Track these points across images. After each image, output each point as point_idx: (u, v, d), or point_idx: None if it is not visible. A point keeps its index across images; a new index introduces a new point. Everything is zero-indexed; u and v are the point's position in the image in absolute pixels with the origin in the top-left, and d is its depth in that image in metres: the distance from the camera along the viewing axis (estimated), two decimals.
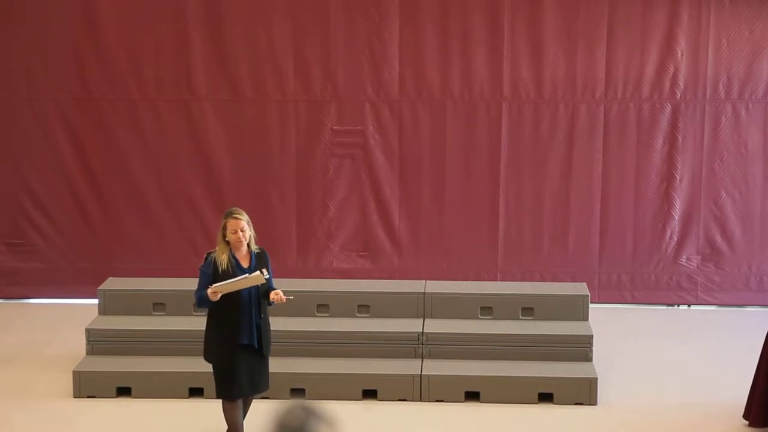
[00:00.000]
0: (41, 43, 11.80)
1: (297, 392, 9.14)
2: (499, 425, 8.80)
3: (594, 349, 9.50)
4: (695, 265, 11.97)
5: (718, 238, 11.93)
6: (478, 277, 11.76)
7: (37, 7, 11.75)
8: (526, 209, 11.96)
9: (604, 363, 9.80)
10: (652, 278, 12.00)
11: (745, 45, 11.66)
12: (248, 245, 7.94)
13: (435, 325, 9.69)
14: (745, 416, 8.65)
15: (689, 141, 11.81)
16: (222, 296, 7.69)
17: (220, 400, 8.13)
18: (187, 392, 9.21)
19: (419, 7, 11.69)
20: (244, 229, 7.87)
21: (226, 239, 7.87)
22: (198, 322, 9.65)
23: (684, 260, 11.97)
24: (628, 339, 10.83)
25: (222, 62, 11.79)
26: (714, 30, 11.63)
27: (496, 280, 11.66)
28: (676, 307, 12.06)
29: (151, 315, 9.87)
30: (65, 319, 11.34)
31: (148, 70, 11.84)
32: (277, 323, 9.68)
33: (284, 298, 7.88)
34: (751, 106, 11.75)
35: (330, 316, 9.88)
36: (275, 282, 8.05)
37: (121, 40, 11.78)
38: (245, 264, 7.91)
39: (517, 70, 11.73)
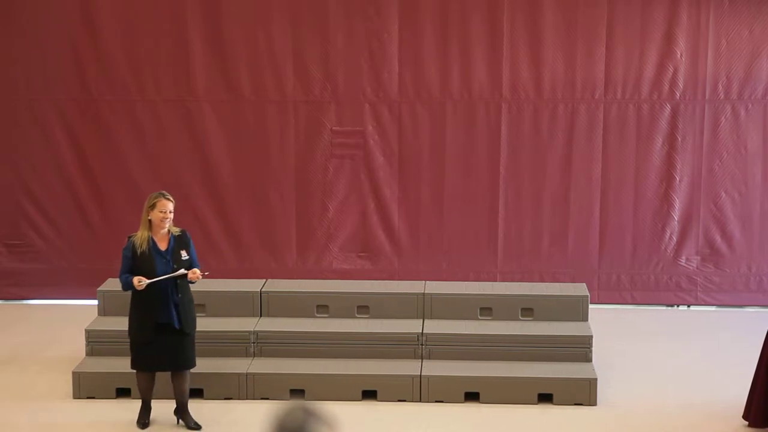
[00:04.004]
0: (40, 45, 11.80)
1: (296, 393, 9.14)
2: (498, 426, 8.80)
3: (594, 349, 9.50)
4: (695, 265, 11.97)
5: (718, 239, 11.93)
6: (477, 278, 11.76)
7: (37, 8, 11.75)
8: (526, 210, 11.96)
9: (603, 363, 9.80)
10: (651, 279, 12.00)
11: (744, 45, 11.66)
12: (168, 228, 8.39)
13: (434, 326, 9.69)
14: (745, 416, 8.65)
15: (689, 141, 11.81)
16: (142, 276, 8.22)
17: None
18: None
19: (418, 8, 11.69)
20: (172, 211, 8.35)
21: (150, 218, 8.33)
22: (197, 323, 9.66)
23: (683, 261, 11.96)
24: (627, 339, 10.83)
25: (221, 63, 11.79)
26: (713, 30, 11.63)
27: (496, 281, 11.65)
28: (675, 307, 12.06)
29: None
30: (65, 320, 11.34)
31: (147, 70, 11.83)
32: (276, 324, 9.73)
33: (200, 275, 8.35)
34: (750, 106, 11.75)
35: (329, 317, 9.88)
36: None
37: (121, 41, 11.77)
38: (163, 246, 8.37)
39: (516, 71, 11.73)
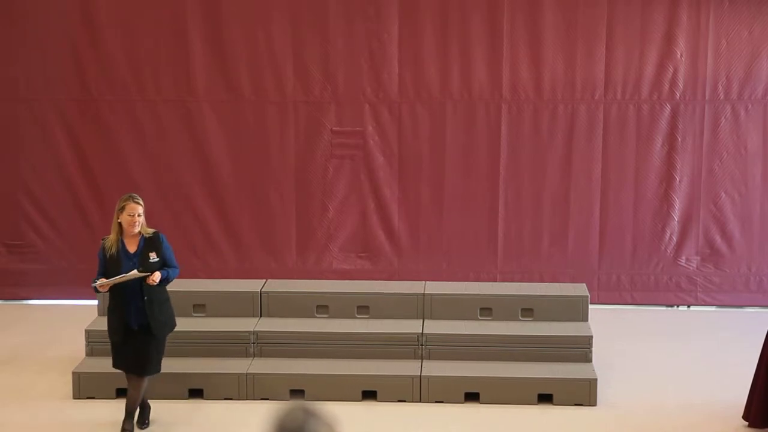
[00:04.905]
0: (40, 45, 11.79)
1: (296, 393, 9.14)
2: (498, 426, 8.80)
3: (594, 350, 9.50)
4: (695, 265, 11.97)
5: (718, 239, 11.93)
6: (477, 278, 11.76)
7: (37, 8, 11.75)
8: (526, 210, 11.96)
9: (603, 364, 9.80)
10: (651, 279, 12.00)
11: (744, 46, 11.66)
12: (140, 231, 8.38)
13: (434, 326, 9.69)
14: (745, 416, 8.66)
15: (688, 142, 11.81)
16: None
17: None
18: (186, 393, 9.21)
19: (418, 8, 11.69)
20: (141, 214, 8.33)
21: (119, 221, 8.32)
22: (196, 323, 9.68)
23: (683, 261, 11.96)
24: (627, 340, 10.83)
25: (221, 63, 11.79)
26: (713, 31, 11.63)
27: (496, 281, 11.66)
28: (675, 307, 12.06)
29: None
30: (65, 320, 11.34)
31: (147, 71, 11.83)
32: (276, 324, 9.73)
33: (155, 280, 8.28)
34: (750, 106, 11.75)
35: (329, 317, 9.88)
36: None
37: (121, 40, 11.77)
38: (132, 248, 8.37)
39: (516, 71, 11.73)
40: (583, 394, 9.14)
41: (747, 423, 8.63)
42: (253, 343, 9.54)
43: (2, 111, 11.95)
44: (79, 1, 11.72)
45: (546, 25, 11.65)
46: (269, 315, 9.90)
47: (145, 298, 8.32)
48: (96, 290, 8.43)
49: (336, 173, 11.96)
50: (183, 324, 9.65)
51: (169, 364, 9.23)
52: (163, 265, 8.39)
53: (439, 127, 11.87)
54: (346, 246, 12.08)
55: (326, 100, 11.85)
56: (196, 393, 9.20)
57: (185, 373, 9.22)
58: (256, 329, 9.60)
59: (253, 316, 9.87)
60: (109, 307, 8.52)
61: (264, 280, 10.29)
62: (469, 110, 11.83)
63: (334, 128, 11.92)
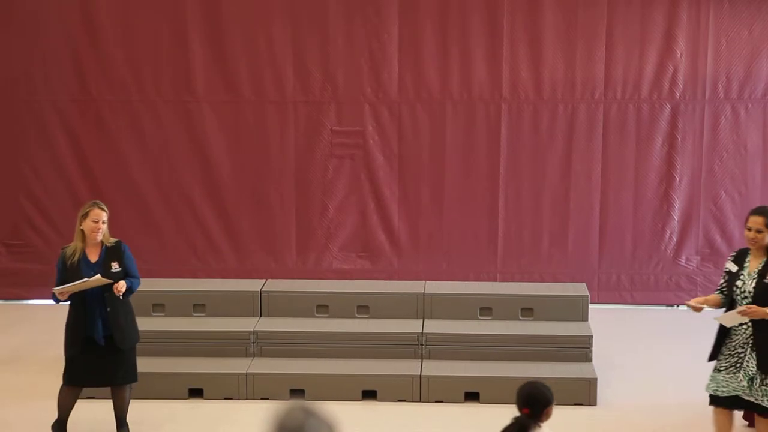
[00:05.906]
0: (40, 45, 11.80)
1: (296, 393, 9.15)
2: (498, 426, 8.77)
3: (593, 349, 9.50)
4: (695, 265, 11.97)
5: (718, 239, 11.93)
6: (477, 278, 11.76)
7: (36, 8, 11.75)
8: (526, 210, 11.96)
9: (603, 363, 9.80)
10: (651, 279, 12.00)
11: (744, 45, 11.67)
12: (102, 240, 8.11)
13: (434, 326, 9.69)
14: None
15: (688, 141, 11.81)
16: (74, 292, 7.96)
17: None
18: (186, 393, 9.21)
19: (418, 8, 11.69)
20: (105, 222, 8.07)
21: (82, 228, 8.07)
22: (196, 323, 9.68)
23: (683, 260, 11.96)
24: (627, 339, 10.83)
25: (221, 63, 11.79)
26: (713, 30, 11.64)
27: (496, 281, 11.66)
28: (675, 307, 12.05)
29: (151, 316, 9.86)
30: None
31: (147, 71, 11.83)
32: (276, 324, 9.73)
33: (121, 289, 7.98)
34: (750, 106, 11.75)
35: (329, 317, 9.88)
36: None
37: (120, 41, 11.77)
38: (93, 258, 8.11)
39: (516, 71, 11.73)
40: (583, 393, 9.15)
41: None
42: (253, 342, 9.55)
43: (2, 111, 11.95)
44: (79, 1, 11.72)
45: (546, 25, 11.65)
46: (269, 315, 9.90)
47: (108, 309, 8.03)
48: (55, 299, 8.12)
49: (336, 173, 11.96)
50: (183, 324, 9.68)
51: (169, 364, 9.25)
52: (125, 275, 8.11)
53: (439, 127, 11.87)
54: (346, 246, 12.08)
55: (326, 100, 11.85)
56: (196, 393, 9.20)
57: (185, 373, 9.22)
58: (256, 329, 9.60)
59: (253, 316, 9.87)
60: (67, 322, 8.19)
61: (264, 280, 10.30)
62: (469, 110, 11.83)
63: (334, 128, 11.92)
